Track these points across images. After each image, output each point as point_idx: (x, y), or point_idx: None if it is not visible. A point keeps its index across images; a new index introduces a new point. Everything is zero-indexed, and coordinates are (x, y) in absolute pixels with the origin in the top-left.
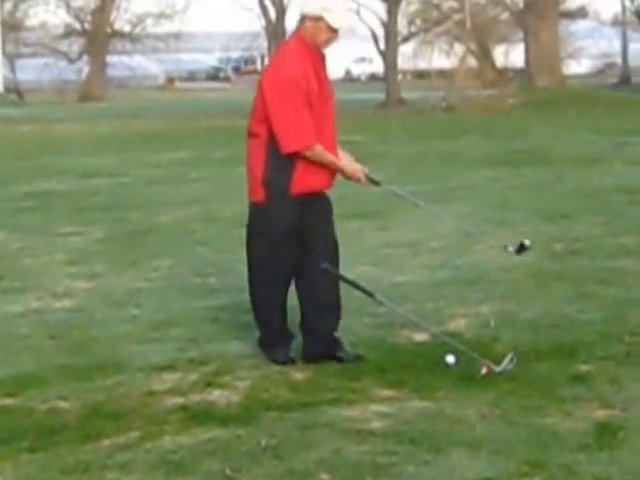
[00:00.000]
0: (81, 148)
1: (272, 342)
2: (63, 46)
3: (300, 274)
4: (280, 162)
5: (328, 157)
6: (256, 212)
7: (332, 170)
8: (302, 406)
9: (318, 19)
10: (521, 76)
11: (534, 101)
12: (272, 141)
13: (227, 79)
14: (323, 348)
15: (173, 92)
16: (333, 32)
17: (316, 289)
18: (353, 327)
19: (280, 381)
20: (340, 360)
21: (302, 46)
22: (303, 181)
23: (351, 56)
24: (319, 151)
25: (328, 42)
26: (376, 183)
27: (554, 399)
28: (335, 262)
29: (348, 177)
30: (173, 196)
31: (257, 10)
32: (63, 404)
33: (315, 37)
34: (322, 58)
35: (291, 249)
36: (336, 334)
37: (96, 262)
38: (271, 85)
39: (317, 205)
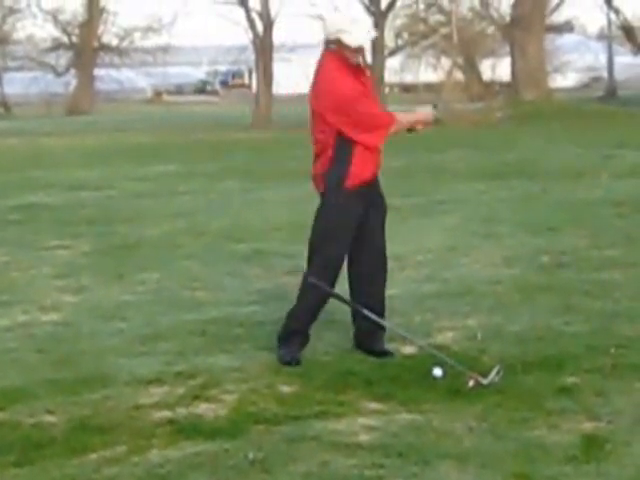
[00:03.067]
0: (68, 161)
1: (293, 334)
2: (50, 59)
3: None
4: (342, 158)
5: (408, 117)
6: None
7: (377, 163)
8: (289, 419)
9: (338, 41)
10: (508, 90)
11: (521, 114)
12: (338, 142)
13: (215, 93)
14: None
15: (161, 105)
16: (354, 50)
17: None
18: (340, 340)
19: (267, 394)
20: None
21: (340, 62)
22: (356, 174)
23: None
24: (400, 118)
25: (357, 56)
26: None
27: (541, 411)
28: (377, 268)
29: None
30: (160, 209)
31: (244, 24)
32: (50, 418)
33: (343, 54)
34: (360, 70)
35: (345, 246)
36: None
37: (83, 275)
38: (329, 107)
39: (374, 207)
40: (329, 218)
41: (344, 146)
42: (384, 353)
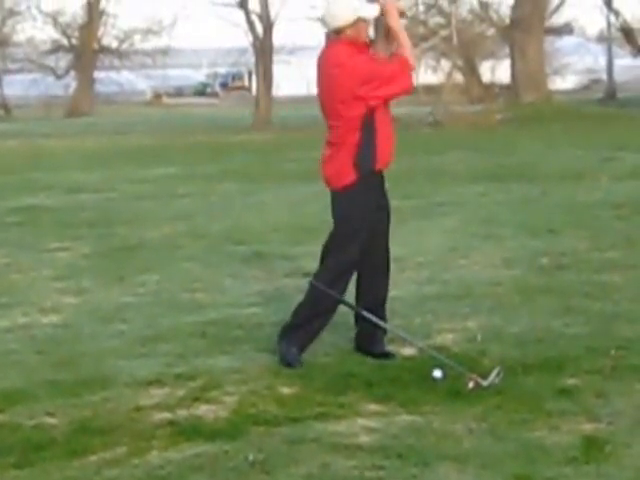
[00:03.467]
0: (68, 163)
1: (292, 329)
2: (50, 62)
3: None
4: (368, 141)
5: (406, 43)
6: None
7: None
8: (290, 421)
9: (356, 22)
10: (507, 92)
11: (520, 117)
12: (364, 122)
13: (214, 95)
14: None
15: (160, 108)
16: (368, 24)
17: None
18: (340, 342)
19: (268, 396)
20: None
21: (350, 46)
22: (383, 154)
23: None
24: (410, 58)
25: (366, 31)
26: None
27: (541, 413)
28: (381, 269)
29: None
30: (161, 211)
31: (244, 26)
32: (50, 420)
33: (357, 38)
34: (368, 51)
35: (364, 237)
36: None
37: (83, 277)
38: (359, 82)
39: (380, 210)
40: (352, 213)
41: (369, 127)
42: (384, 355)
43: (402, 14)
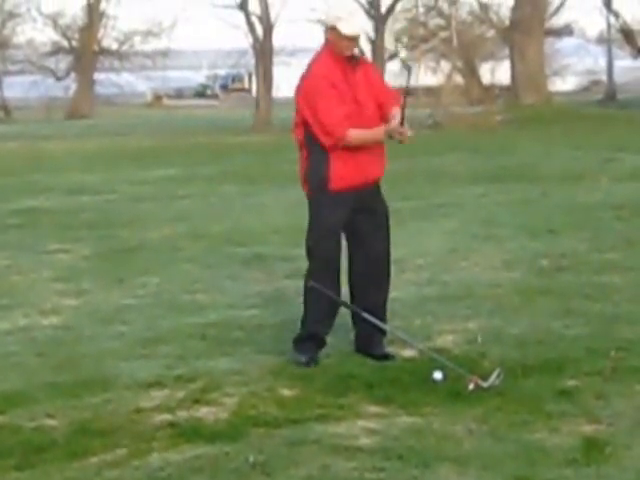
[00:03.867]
0: (69, 165)
1: (305, 339)
2: (50, 63)
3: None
4: (317, 159)
5: (366, 135)
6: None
7: (367, 163)
8: (290, 422)
9: (334, 28)
10: (507, 93)
11: (520, 118)
12: (307, 141)
13: (215, 96)
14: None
15: (161, 109)
16: (348, 39)
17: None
18: (340, 343)
19: (268, 398)
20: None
21: (328, 55)
22: (339, 176)
23: None
24: (355, 136)
25: (347, 49)
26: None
27: (541, 414)
28: (375, 273)
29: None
30: (161, 213)
31: (244, 28)
32: (50, 422)
33: (336, 45)
34: (352, 65)
35: (333, 249)
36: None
37: (84, 279)
38: (300, 92)
39: (367, 213)
40: (318, 220)
41: (315, 142)
42: (384, 356)
43: (391, 137)
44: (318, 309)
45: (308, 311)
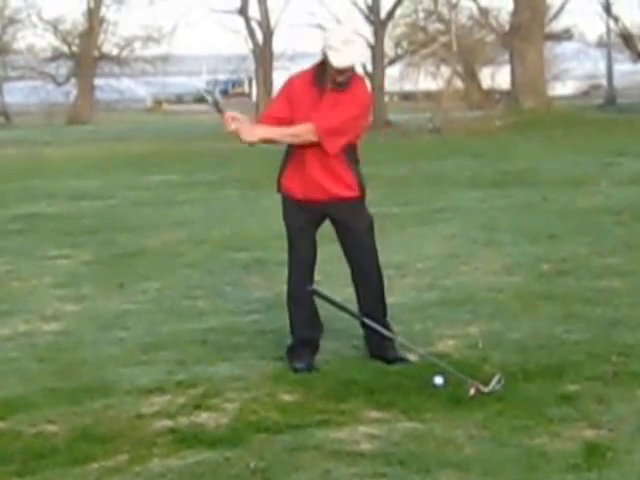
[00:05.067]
0: (69, 171)
1: (295, 346)
2: (51, 69)
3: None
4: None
5: (272, 132)
6: None
7: (309, 181)
8: (291, 428)
9: (325, 55)
10: (507, 98)
11: (520, 122)
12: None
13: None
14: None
15: (161, 115)
16: (336, 70)
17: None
18: (341, 349)
19: (269, 403)
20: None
21: (315, 67)
22: (285, 185)
23: None
24: (261, 128)
25: (336, 76)
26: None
27: (542, 419)
28: (367, 285)
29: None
30: (161, 219)
31: (244, 33)
32: (51, 427)
33: (323, 67)
34: (332, 88)
35: (303, 248)
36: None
37: (84, 285)
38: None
39: (343, 229)
40: (285, 223)
41: (289, 151)
42: (398, 360)
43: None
44: (303, 314)
45: (293, 317)
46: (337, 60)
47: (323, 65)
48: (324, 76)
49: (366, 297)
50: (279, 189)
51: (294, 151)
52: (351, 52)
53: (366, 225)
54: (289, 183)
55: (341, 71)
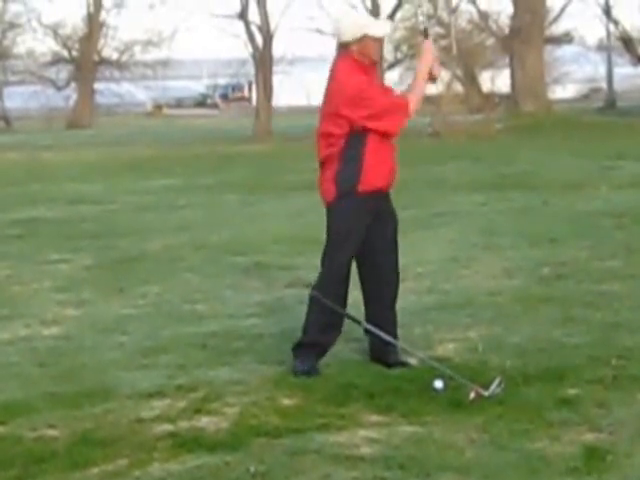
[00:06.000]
0: (69, 175)
1: (305, 347)
2: (51, 74)
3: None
4: (352, 158)
5: (419, 90)
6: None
7: (392, 169)
8: (291, 432)
9: (362, 39)
10: (507, 101)
11: (520, 126)
12: (348, 140)
13: (215, 106)
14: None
15: (161, 119)
16: (379, 42)
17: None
18: (341, 352)
19: (269, 407)
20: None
21: (354, 63)
22: (368, 179)
23: None
24: (414, 104)
25: (378, 52)
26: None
27: (542, 423)
28: (384, 291)
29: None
30: (161, 223)
31: (244, 37)
32: (51, 432)
33: (364, 55)
34: (374, 72)
35: (351, 251)
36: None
37: (84, 289)
38: (346, 102)
39: (383, 224)
40: (339, 225)
41: (356, 146)
42: (398, 364)
43: (433, 77)
44: (321, 318)
45: (310, 319)
46: (382, 29)
47: (355, 59)
48: (362, 65)
49: (383, 301)
50: (357, 187)
51: (369, 146)
52: (383, 21)
53: (397, 221)
54: (373, 177)
55: (381, 42)
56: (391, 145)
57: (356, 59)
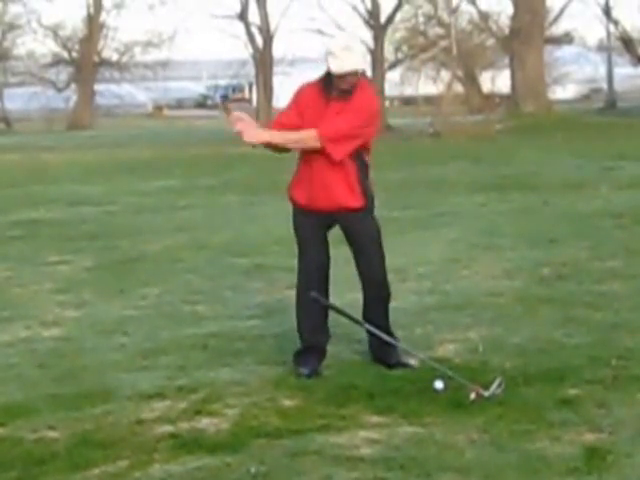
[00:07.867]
0: (69, 176)
1: (301, 351)
2: (51, 75)
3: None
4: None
5: (283, 136)
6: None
7: (314, 189)
8: (291, 433)
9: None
10: (507, 102)
11: (520, 127)
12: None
13: (215, 107)
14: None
15: (161, 120)
16: (336, 76)
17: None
18: (341, 353)
19: (269, 408)
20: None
21: (322, 76)
22: (292, 194)
23: None
24: (273, 133)
25: (340, 83)
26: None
27: (543, 423)
28: (372, 291)
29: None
30: (162, 224)
31: (244, 38)
32: (52, 433)
33: (327, 78)
34: (335, 96)
35: (311, 255)
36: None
37: (84, 291)
38: None
39: (350, 237)
40: (294, 231)
41: (301, 159)
42: (398, 365)
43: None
44: (311, 320)
45: (301, 323)
46: (335, 66)
47: (329, 74)
48: (330, 84)
49: (370, 303)
50: (289, 197)
51: (303, 159)
52: (349, 58)
53: (372, 234)
54: (295, 191)
55: (341, 77)
56: (322, 164)
57: (325, 78)
